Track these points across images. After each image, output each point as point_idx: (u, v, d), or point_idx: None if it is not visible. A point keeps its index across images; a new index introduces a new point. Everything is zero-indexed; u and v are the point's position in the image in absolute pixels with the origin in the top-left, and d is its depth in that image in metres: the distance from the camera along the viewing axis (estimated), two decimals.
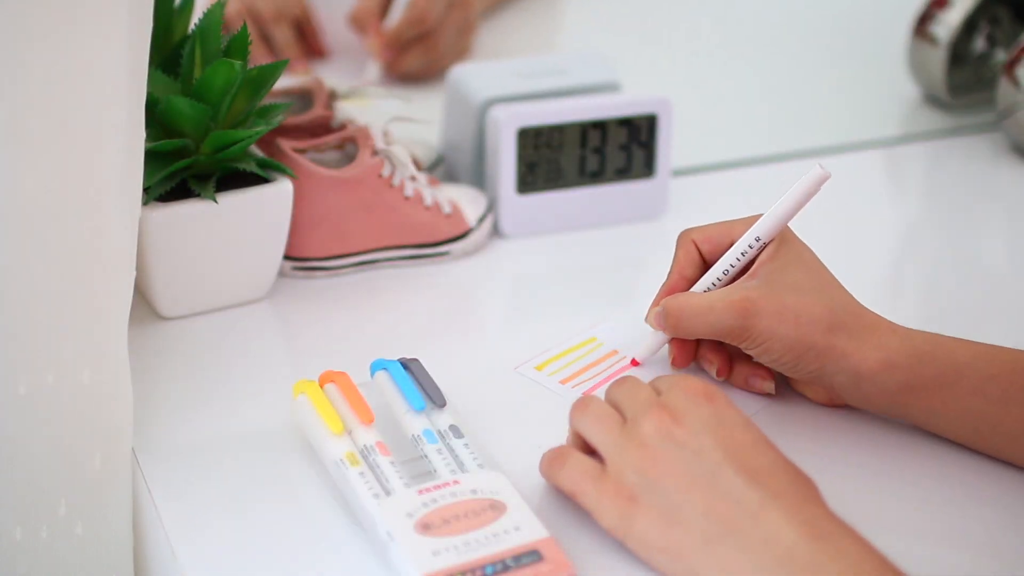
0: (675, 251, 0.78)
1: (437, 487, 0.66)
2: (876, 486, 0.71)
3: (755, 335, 0.72)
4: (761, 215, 0.75)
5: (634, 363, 0.80)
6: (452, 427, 0.71)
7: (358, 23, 1.17)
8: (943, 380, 0.71)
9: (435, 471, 0.68)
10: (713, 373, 0.77)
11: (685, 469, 0.62)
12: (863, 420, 0.75)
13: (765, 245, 0.74)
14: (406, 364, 0.74)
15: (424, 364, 0.75)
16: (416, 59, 1.17)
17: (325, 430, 0.69)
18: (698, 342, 0.78)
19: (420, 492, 0.66)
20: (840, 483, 0.68)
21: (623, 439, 0.65)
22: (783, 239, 0.75)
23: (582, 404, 0.68)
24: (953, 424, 0.72)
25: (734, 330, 0.72)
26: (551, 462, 0.68)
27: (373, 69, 1.16)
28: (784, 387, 0.77)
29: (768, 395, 0.76)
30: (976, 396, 0.70)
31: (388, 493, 0.66)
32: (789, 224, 0.75)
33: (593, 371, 0.80)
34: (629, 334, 0.83)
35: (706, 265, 0.78)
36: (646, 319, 0.78)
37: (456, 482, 0.67)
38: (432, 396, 0.72)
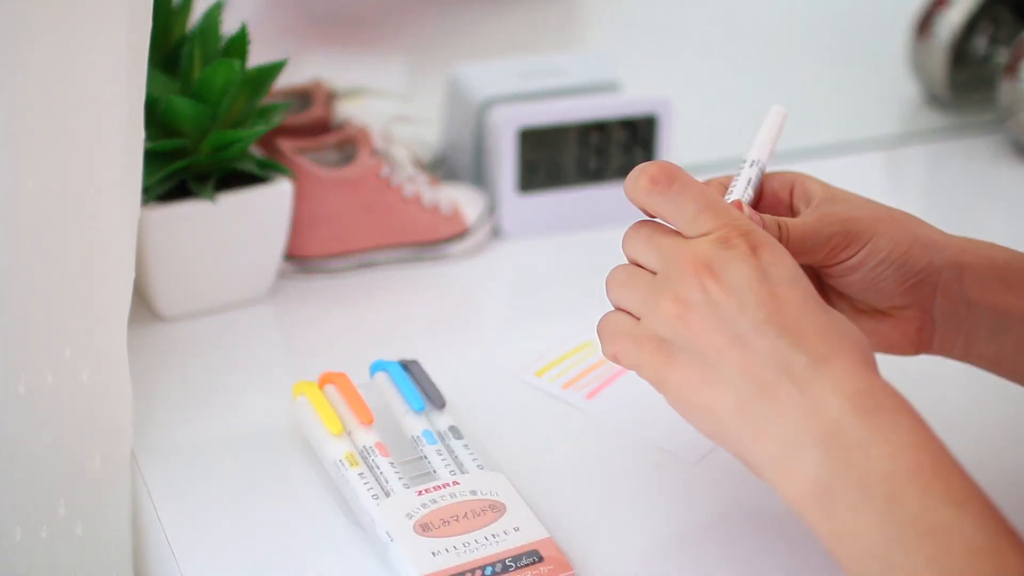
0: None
1: (436, 488, 0.66)
2: None
3: (859, 237, 0.64)
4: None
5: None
6: (452, 428, 0.71)
7: None
8: None
9: (434, 472, 0.68)
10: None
11: (723, 328, 0.56)
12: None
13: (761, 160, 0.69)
14: (406, 365, 0.74)
15: (424, 365, 0.75)
16: None
17: (324, 431, 0.69)
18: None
19: (419, 493, 0.66)
20: None
21: (654, 296, 0.59)
22: (816, 185, 0.68)
23: (611, 275, 0.62)
24: None
25: (833, 238, 0.64)
26: (599, 333, 0.62)
27: None
28: None
29: None
30: None
31: (387, 494, 0.66)
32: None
33: (593, 375, 0.80)
34: None
35: None
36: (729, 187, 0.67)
37: (455, 483, 0.67)
38: (431, 397, 0.72)
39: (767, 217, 0.65)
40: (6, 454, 0.66)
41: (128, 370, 0.70)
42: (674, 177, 0.61)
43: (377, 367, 0.74)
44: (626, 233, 0.62)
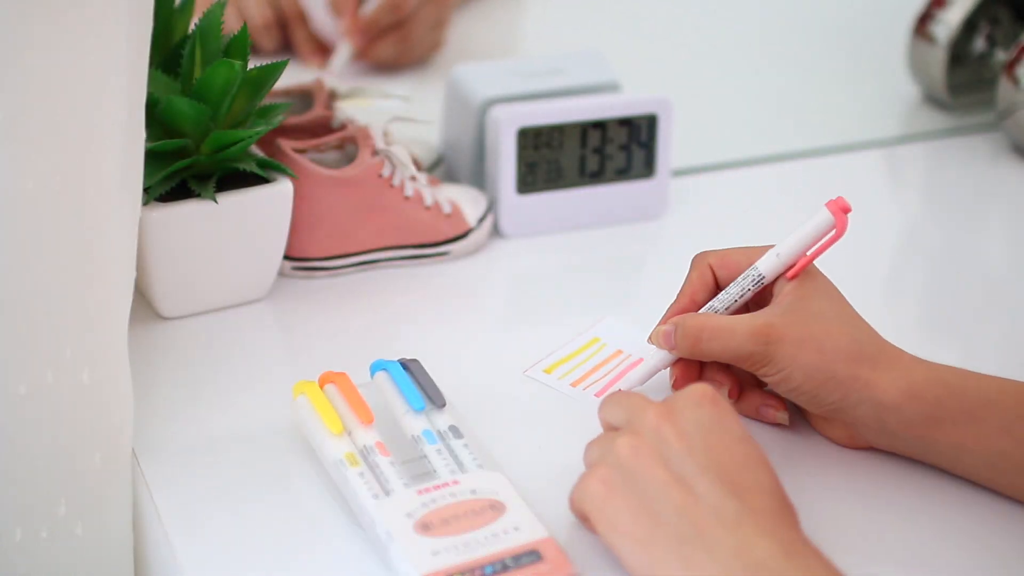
0: (688, 273, 0.77)
1: (436, 487, 0.66)
2: (879, 523, 0.71)
3: (776, 361, 0.70)
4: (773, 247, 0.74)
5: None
6: (452, 427, 0.71)
7: (336, 6, 1.17)
8: (971, 414, 0.68)
9: (435, 471, 0.69)
10: (724, 395, 0.74)
11: (668, 466, 0.62)
12: (877, 459, 0.73)
13: (766, 281, 0.73)
14: (406, 365, 0.74)
15: (424, 364, 0.75)
16: (388, 47, 1.18)
17: (325, 431, 0.69)
18: (702, 367, 0.75)
19: (419, 492, 0.66)
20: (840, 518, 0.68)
21: (620, 434, 0.64)
22: (807, 272, 0.73)
23: (587, 446, 0.67)
24: (978, 463, 0.69)
25: (754, 356, 0.70)
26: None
27: (344, 52, 1.16)
28: (800, 423, 0.75)
29: (780, 426, 0.75)
30: (1004, 436, 0.68)
31: (387, 493, 0.66)
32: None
33: (602, 371, 0.80)
34: (630, 332, 0.83)
35: (719, 291, 0.76)
36: (650, 339, 0.75)
37: (455, 482, 0.67)
38: (432, 396, 0.72)
39: (683, 326, 0.73)
40: (6, 454, 0.66)
41: (128, 370, 0.70)
42: (621, 395, 0.67)
43: (377, 367, 0.74)
44: (601, 405, 0.68)
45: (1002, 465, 0.69)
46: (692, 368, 0.75)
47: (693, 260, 0.77)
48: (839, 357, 0.69)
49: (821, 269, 0.74)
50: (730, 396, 0.74)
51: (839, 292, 0.73)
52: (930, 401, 0.69)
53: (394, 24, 1.17)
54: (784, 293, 0.72)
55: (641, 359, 0.80)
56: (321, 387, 0.72)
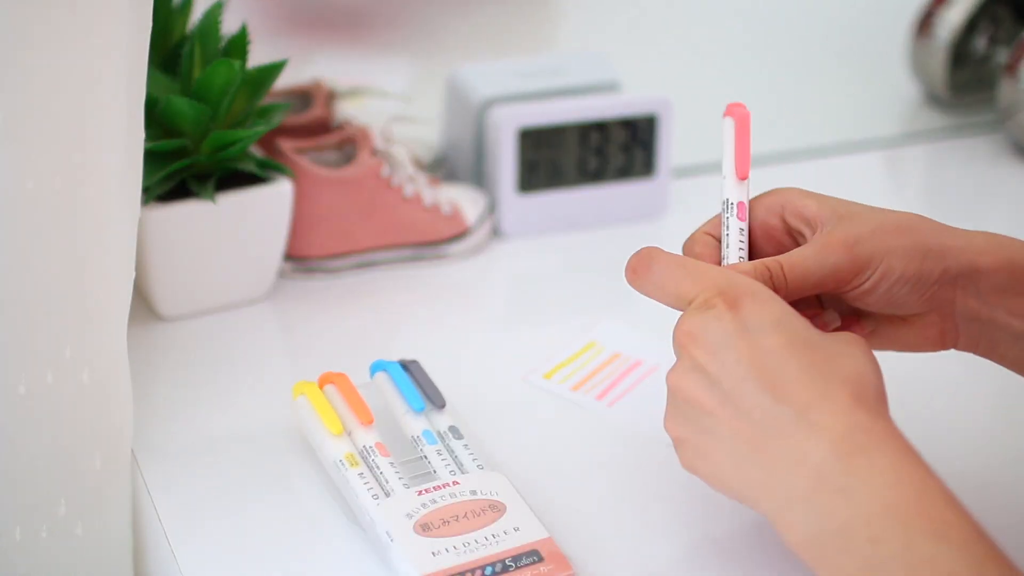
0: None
1: (436, 488, 0.66)
2: None
3: (870, 261, 0.63)
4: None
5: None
6: (452, 428, 0.71)
7: None
8: None
9: (434, 472, 0.68)
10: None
11: (711, 391, 0.58)
12: None
13: (733, 200, 0.67)
14: (406, 365, 0.74)
15: (423, 365, 0.75)
16: None
17: (324, 431, 0.69)
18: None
19: (419, 493, 0.66)
20: None
21: (672, 369, 0.60)
22: (812, 193, 0.66)
23: None
24: None
25: (840, 269, 0.63)
26: None
27: None
28: None
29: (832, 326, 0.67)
30: None
31: (387, 494, 0.66)
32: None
33: (602, 375, 0.80)
34: (626, 335, 0.83)
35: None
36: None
37: (455, 483, 0.67)
38: (431, 397, 0.72)
39: (756, 264, 0.64)
40: (6, 454, 0.66)
41: (128, 370, 0.70)
42: (650, 260, 0.63)
43: (377, 367, 0.74)
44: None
45: None
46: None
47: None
48: (920, 229, 0.65)
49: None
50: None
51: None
52: (1020, 268, 0.64)
53: None
54: (815, 219, 0.65)
55: (639, 362, 0.80)
56: (321, 388, 0.72)
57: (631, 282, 0.63)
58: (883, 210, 0.66)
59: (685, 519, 0.69)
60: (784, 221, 0.67)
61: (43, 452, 0.67)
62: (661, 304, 0.63)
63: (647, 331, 0.83)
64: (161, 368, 0.79)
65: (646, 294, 0.63)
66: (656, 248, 0.63)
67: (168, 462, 0.72)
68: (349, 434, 0.70)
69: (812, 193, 0.67)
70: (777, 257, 0.64)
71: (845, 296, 0.65)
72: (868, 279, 0.64)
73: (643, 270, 0.63)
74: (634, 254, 0.63)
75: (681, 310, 0.61)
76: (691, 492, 0.70)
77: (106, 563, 0.71)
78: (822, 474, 0.54)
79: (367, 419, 0.70)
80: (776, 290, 0.63)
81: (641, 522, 0.68)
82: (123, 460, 0.70)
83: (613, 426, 0.76)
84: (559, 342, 0.82)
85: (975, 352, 0.67)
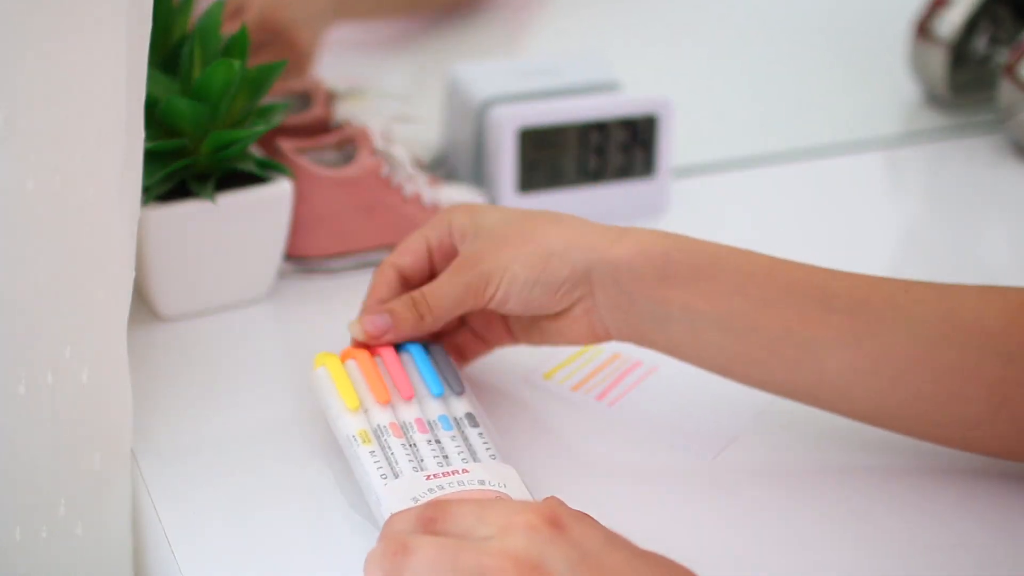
0: (372, 281, 0.74)
1: (446, 474, 0.66)
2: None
3: (493, 274, 0.69)
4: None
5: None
6: (468, 415, 0.71)
7: None
8: (701, 271, 0.68)
9: (446, 458, 0.68)
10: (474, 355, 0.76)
11: None
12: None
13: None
14: (427, 348, 0.74)
15: None
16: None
17: (341, 405, 0.69)
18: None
19: (428, 478, 0.65)
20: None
21: None
22: (461, 209, 0.73)
23: None
24: (711, 326, 0.68)
25: (471, 284, 0.70)
26: None
27: None
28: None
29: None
30: (736, 295, 0.68)
31: (396, 475, 0.66)
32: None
33: (601, 375, 0.80)
34: None
35: (405, 286, 0.74)
36: (351, 329, 0.72)
37: (465, 471, 0.66)
38: (451, 383, 0.72)
39: (404, 297, 0.71)
40: (6, 454, 0.66)
41: (128, 370, 0.70)
42: (437, 511, 0.57)
43: (398, 348, 0.74)
44: (391, 556, 0.55)
45: (735, 325, 0.68)
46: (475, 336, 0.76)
47: (375, 270, 0.75)
48: (543, 233, 0.70)
49: None
50: (475, 352, 0.75)
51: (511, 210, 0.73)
52: (659, 255, 0.69)
53: (265, 41, 1.09)
54: (465, 240, 0.72)
55: (639, 362, 0.80)
56: (343, 362, 0.72)
57: (401, 548, 0.56)
58: (514, 218, 0.71)
59: (685, 521, 0.69)
60: (451, 239, 0.73)
61: (43, 452, 0.67)
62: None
63: None
64: (161, 368, 0.79)
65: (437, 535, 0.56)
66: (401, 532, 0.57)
67: (168, 462, 0.72)
68: (365, 411, 0.70)
69: (472, 209, 0.73)
70: (420, 288, 0.72)
71: (489, 308, 0.71)
72: (498, 289, 0.70)
73: (428, 520, 0.56)
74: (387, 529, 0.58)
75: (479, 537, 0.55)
76: (691, 494, 0.70)
77: (106, 563, 0.71)
78: None
79: (384, 398, 0.70)
80: (422, 317, 0.71)
81: (650, 522, 0.68)
82: (123, 460, 0.70)
83: (613, 426, 0.76)
84: (559, 348, 0.82)
85: (632, 341, 0.71)
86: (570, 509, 0.57)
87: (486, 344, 0.77)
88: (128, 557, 0.73)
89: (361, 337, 0.72)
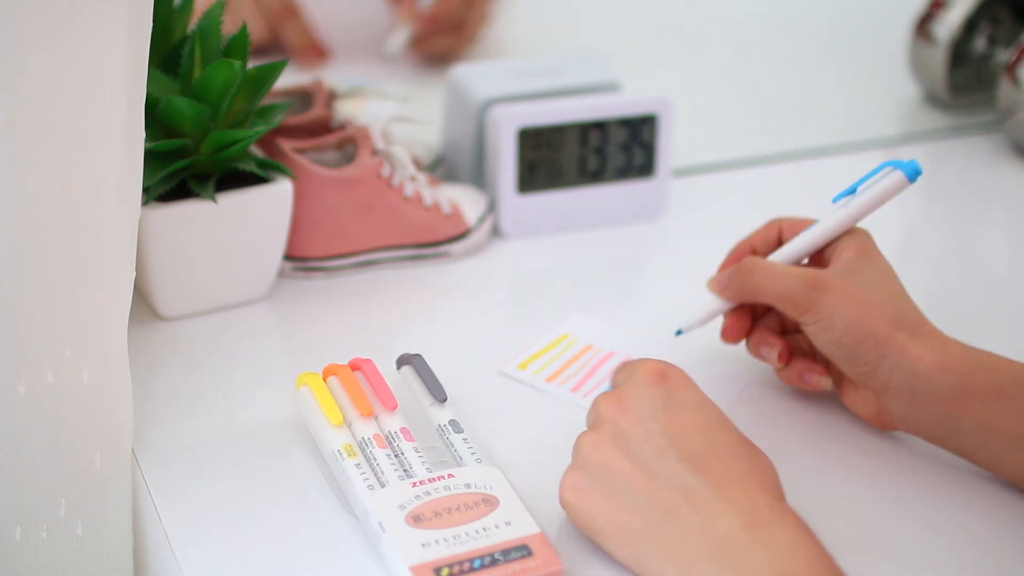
0: (757, 228, 0.79)
1: (431, 480, 0.66)
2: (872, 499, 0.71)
3: (820, 308, 0.71)
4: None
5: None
6: (452, 422, 0.71)
7: None
8: (1001, 392, 0.68)
9: (433, 465, 0.69)
10: (774, 358, 0.76)
11: (629, 455, 0.63)
12: (897, 457, 0.74)
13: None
14: (409, 360, 0.74)
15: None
16: (445, 40, 1.19)
17: (325, 421, 0.70)
18: (754, 320, 0.77)
19: (414, 485, 0.66)
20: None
21: (584, 432, 0.66)
22: (865, 246, 0.74)
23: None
24: (1004, 446, 0.69)
25: (798, 298, 0.72)
26: None
27: (401, 37, 1.17)
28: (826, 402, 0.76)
29: (823, 391, 0.76)
30: None
31: (383, 485, 0.67)
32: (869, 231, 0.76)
33: (575, 366, 0.80)
34: (597, 328, 0.84)
35: (778, 246, 0.78)
36: (708, 284, 0.77)
37: (450, 476, 0.67)
38: (433, 391, 0.73)
39: (737, 267, 0.75)
40: (6, 454, 0.66)
41: (128, 370, 0.70)
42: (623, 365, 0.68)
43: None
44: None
45: None
46: (744, 318, 0.77)
47: (767, 222, 0.79)
48: (881, 317, 0.71)
49: None
50: (780, 359, 0.76)
51: (892, 270, 0.74)
52: (961, 374, 0.69)
53: (458, 20, 1.18)
54: (841, 260, 0.74)
55: (613, 352, 0.80)
56: (324, 379, 0.73)
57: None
58: (879, 286, 0.72)
59: None
60: (838, 255, 0.75)
61: (43, 452, 0.67)
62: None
63: (618, 323, 0.83)
64: (161, 368, 0.79)
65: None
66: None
67: (168, 462, 0.72)
68: (349, 425, 0.70)
69: (862, 247, 0.74)
70: (761, 258, 0.75)
71: (799, 326, 0.73)
72: (811, 322, 0.72)
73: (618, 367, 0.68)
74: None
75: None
76: None
77: (106, 563, 0.71)
78: (728, 540, 0.59)
79: (367, 411, 0.71)
80: (744, 281, 0.74)
81: None
82: (123, 460, 0.70)
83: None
84: (533, 340, 0.83)
85: (921, 437, 0.72)
86: (681, 372, 0.66)
87: (789, 348, 0.76)
88: (128, 557, 0.73)
89: (713, 290, 0.77)
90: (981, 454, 0.70)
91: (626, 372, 0.67)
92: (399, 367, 0.76)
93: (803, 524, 0.60)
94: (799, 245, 0.76)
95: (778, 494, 0.62)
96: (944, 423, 0.70)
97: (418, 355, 0.75)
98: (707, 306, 0.78)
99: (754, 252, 0.78)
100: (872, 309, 0.71)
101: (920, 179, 0.76)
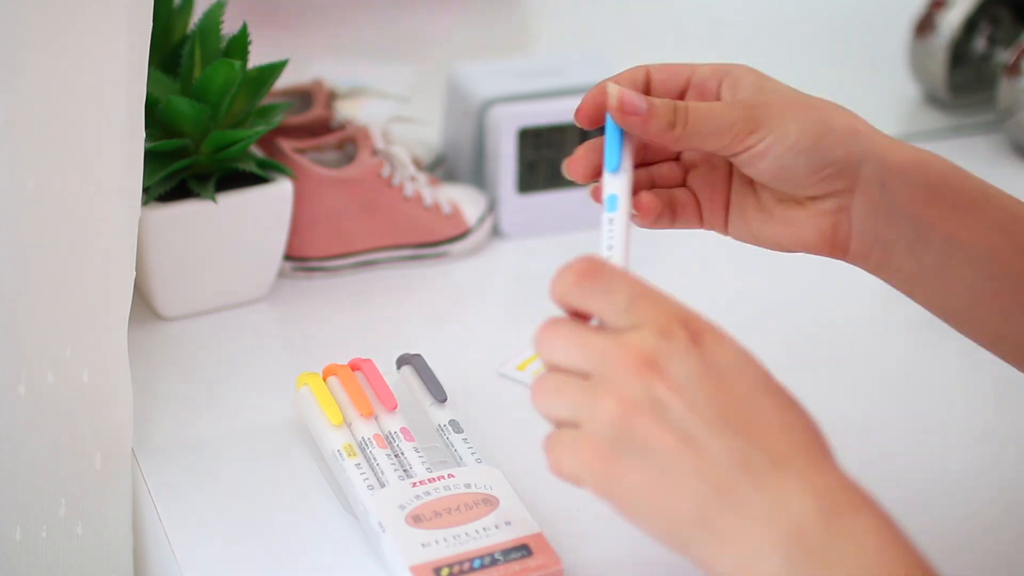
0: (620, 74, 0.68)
1: (432, 480, 0.66)
2: None
3: (766, 122, 0.62)
4: None
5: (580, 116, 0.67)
6: (452, 422, 0.71)
7: None
8: (972, 201, 0.63)
9: (433, 465, 0.69)
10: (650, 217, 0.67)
11: (673, 428, 0.52)
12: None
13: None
14: (409, 360, 0.74)
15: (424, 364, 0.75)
16: None
17: (325, 421, 0.70)
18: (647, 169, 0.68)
19: (414, 485, 0.66)
20: None
21: (592, 399, 0.53)
22: (754, 71, 0.65)
23: (536, 386, 0.56)
24: (966, 263, 0.62)
25: (738, 125, 0.62)
26: (544, 449, 0.56)
27: None
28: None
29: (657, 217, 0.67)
30: (1001, 235, 0.62)
31: (383, 485, 0.67)
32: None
33: None
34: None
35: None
36: (607, 87, 0.66)
37: (451, 476, 0.67)
38: (433, 391, 0.73)
39: (659, 101, 0.63)
40: (6, 454, 0.66)
41: (128, 370, 0.70)
42: (600, 268, 0.56)
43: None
44: (539, 336, 0.57)
45: (992, 267, 0.62)
46: (594, 152, 0.67)
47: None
48: (831, 111, 0.63)
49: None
50: (654, 214, 0.66)
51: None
52: (936, 174, 0.63)
53: None
54: (745, 85, 0.65)
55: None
56: (324, 379, 0.73)
57: (571, 286, 0.57)
58: (800, 92, 0.65)
59: None
60: (719, 86, 0.65)
61: (43, 452, 0.67)
62: (599, 316, 0.56)
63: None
64: (161, 368, 0.79)
65: (584, 305, 0.56)
66: (603, 259, 0.58)
67: (168, 462, 0.72)
68: (349, 425, 0.70)
69: (759, 72, 0.66)
70: (681, 102, 0.63)
71: (740, 159, 0.63)
72: (763, 140, 0.62)
73: (591, 276, 0.56)
74: (577, 259, 0.57)
75: (621, 328, 0.54)
76: None
77: (106, 563, 0.71)
78: (803, 528, 0.50)
79: (367, 411, 0.71)
80: (674, 125, 0.62)
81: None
82: (123, 460, 0.70)
83: None
84: (529, 342, 0.82)
85: (866, 265, 0.65)
86: (713, 324, 0.54)
87: (698, 215, 0.67)
88: (128, 557, 0.73)
89: (614, 99, 0.65)
90: (938, 274, 0.63)
91: (628, 307, 0.54)
92: (399, 367, 0.75)
93: (887, 514, 0.51)
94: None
95: (841, 471, 0.52)
96: (909, 229, 0.63)
97: (418, 355, 0.75)
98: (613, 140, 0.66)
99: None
100: (817, 107, 0.63)
101: None
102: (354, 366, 0.74)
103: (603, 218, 0.64)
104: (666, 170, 0.68)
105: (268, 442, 0.73)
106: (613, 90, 0.65)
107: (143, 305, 0.84)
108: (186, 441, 0.74)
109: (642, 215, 0.67)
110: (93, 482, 0.69)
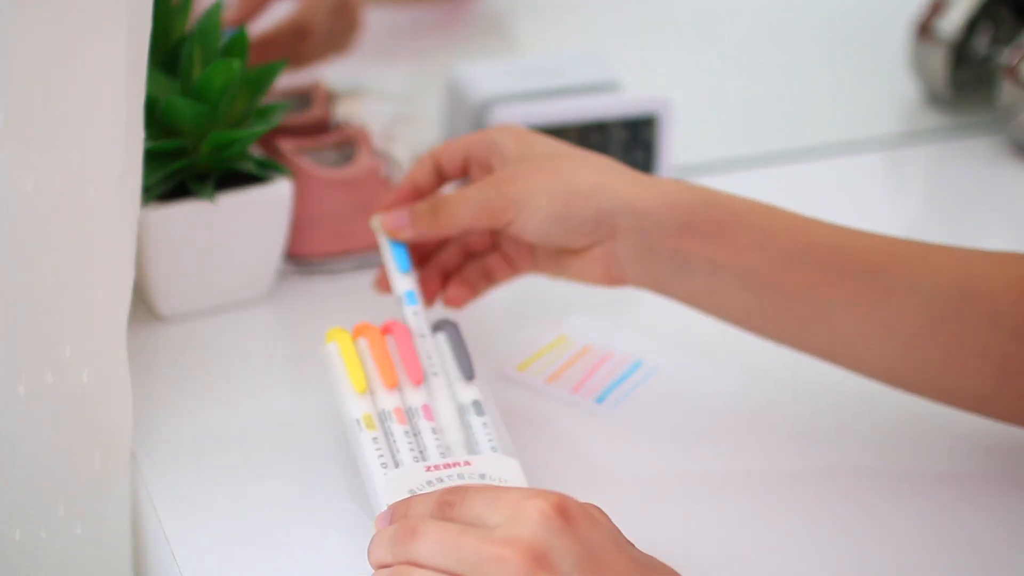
0: (411, 167, 0.78)
1: (447, 466, 0.65)
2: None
3: (516, 198, 0.70)
4: None
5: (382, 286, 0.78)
6: (475, 403, 0.70)
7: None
8: (725, 227, 0.69)
9: (448, 448, 0.68)
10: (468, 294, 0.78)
11: None
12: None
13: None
14: (443, 327, 0.73)
15: None
16: (312, 51, 1.08)
17: (349, 387, 0.69)
18: (434, 251, 0.78)
19: (427, 469, 0.65)
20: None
21: None
22: (517, 131, 0.74)
23: None
24: (731, 282, 0.69)
25: (494, 203, 0.71)
26: None
27: None
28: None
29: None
30: (756, 252, 0.69)
31: (397, 464, 0.66)
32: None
33: (574, 368, 0.80)
34: (596, 327, 0.83)
35: (440, 180, 0.77)
36: (376, 223, 0.76)
37: (467, 463, 0.66)
38: (462, 367, 0.71)
39: (420, 205, 0.74)
40: (6, 454, 0.66)
41: (128, 370, 0.70)
42: (455, 496, 0.58)
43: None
44: (401, 537, 0.57)
45: (753, 282, 0.69)
46: (436, 276, 0.78)
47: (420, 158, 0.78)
48: (575, 174, 0.71)
49: None
50: (467, 300, 0.78)
51: (554, 139, 0.74)
52: (684, 207, 0.69)
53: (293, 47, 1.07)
54: (506, 154, 0.73)
55: (611, 353, 0.80)
56: (354, 339, 0.71)
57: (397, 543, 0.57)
58: (552, 152, 0.72)
59: (675, 513, 0.69)
60: (488, 155, 0.74)
61: (43, 452, 0.67)
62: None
63: (616, 324, 0.83)
64: (161, 368, 0.79)
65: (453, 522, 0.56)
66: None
67: (168, 462, 0.72)
68: (372, 394, 0.69)
69: (519, 133, 0.74)
70: (446, 194, 0.73)
71: (507, 231, 0.72)
72: (518, 216, 0.71)
73: (452, 501, 0.57)
74: (386, 513, 0.61)
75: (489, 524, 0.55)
76: (682, 487, 0.70)
77: (106, 563, 0.71)
78: None
79: (392, 382, 0.69)
80: (439, 221, 0.73)
81: (639, 519, 0.68)
82: (123, 460, 0.70)
83: (601, 420, 0.76)
84: (531, 342, 0.82)
85: (649, 288, 0.73)
86: (579, 502, 0.56)
87: (513, 269, 0.78)
88: (128, 557, 0.73)
89: (380, 229, 0.75)
90: (708, 295, 0.71)
91: (494, 507, 0.55)
92: (434, 332, 0.73)
93: None
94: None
95: None
96: (673, 261, 0.70)
97: (454, 324, 0.73)
98: (386, 251, 0.76)
99: (417, 189, 0.76)
100: (563, 172, 0.70)
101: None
102: (386, 329, 0.72)
103: (406, 311, 0.73)
104: (477, 238, 0.78)
105: (268, 442, 0.73)
106: (375, 224, 0.76)
107: (143, 305, 0.84)
108: (186, 441, 0.74)
109: (457, 305, 0.78)
110: (92, 482, 0.69)
